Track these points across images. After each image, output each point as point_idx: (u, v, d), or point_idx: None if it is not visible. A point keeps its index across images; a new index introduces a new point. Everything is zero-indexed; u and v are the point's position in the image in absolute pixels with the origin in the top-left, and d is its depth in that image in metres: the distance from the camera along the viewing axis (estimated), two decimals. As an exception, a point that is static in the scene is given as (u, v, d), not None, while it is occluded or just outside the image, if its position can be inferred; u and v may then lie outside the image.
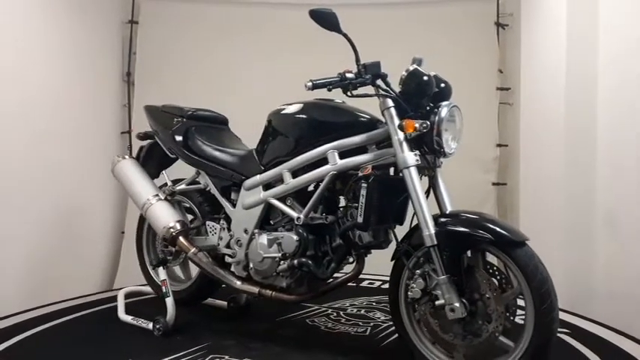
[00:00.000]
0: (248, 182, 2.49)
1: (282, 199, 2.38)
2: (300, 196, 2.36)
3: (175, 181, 2.86)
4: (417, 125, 2.02)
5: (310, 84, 2.09)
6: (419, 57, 2.15)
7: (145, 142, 3.01)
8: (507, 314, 1.93)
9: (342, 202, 2.32)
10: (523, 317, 1.92)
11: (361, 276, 2.34)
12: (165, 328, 2.52)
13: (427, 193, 2.13)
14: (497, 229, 1.92)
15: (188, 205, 2.86)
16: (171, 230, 2.64)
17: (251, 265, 2.43)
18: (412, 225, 2.15)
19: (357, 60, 2.14)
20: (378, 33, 3.73)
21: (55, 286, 3.20)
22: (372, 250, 2.29)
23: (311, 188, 2.36)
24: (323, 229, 2.28)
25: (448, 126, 2.08)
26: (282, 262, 2.30)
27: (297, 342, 2.50)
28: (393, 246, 2.28)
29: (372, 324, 2.77)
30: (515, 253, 1.90)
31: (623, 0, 2.82)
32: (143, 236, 3.10)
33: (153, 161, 2.97)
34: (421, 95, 2.08)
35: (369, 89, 2.15)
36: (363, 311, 3.01)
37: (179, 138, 2.73)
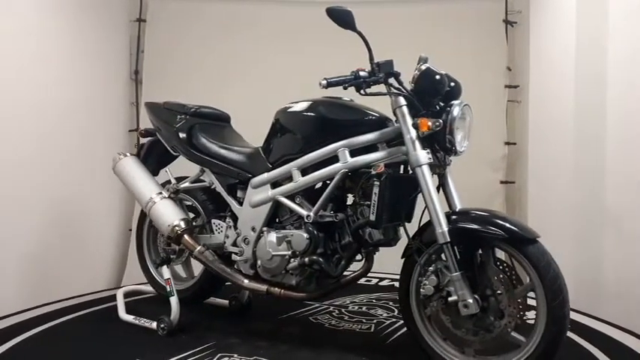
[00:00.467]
0: (255, 180, 2.49)
1: (291, 197, 2.38)
2: (308, 193, 2.36)
3: (179, 179, 2.84)
4: (430, 124, 2.05)
5: (325, 82, 2.12)
6: (425, 56, 2.16)
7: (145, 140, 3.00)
8: (519, 310, 1.96)
9: (349, 200, 2.34)
10: (534, 313, 1.95)
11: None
12: (169, 328, 2.51)
13: (437, 190, 2.14)
14: (510, 226, 1.96)
15: (190, 203, 2.85)
16: (177, 228, 2.63)
17: (259, 263, 2.43)
18: (420, 222, 2.18)
19: (371, 58, 2.15)
20: (386, 30, 3.72)
21: (64, 284, 3.21)
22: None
23: (318, 186, 2.36)
24: (331, 226, 2.29)
25: (460, 124, 2.10)
26: (292, 259, 2.31)
27: (304, 339, 2.50)
28: (396, 244, 2.32)
29: (375, 321, 2.79)
30: (528, 250, 1.93)
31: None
32: (143, 234, 3.08)
33: (153, 159, 2.95)
34: (434, 94, 2.11)
35: (381, 87, 2.17)
36: (364, 308, 3.02)
37: (183, 135, 2.71)
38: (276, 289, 2.39)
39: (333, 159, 2.26)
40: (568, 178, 3.15)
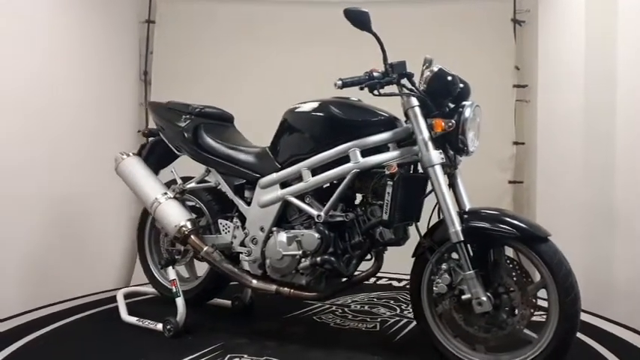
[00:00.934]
0: (264, 180, 2.50)
1: (300, 197, 2.38)
2: (317, 193, 2.37)
3: (184, 179, 2.82)
4: (444, 124, 2.08)
5: (340, 82, 2.15)
6: (430, 57, 2.19)
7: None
8: (531, 307, 1.99)
9: (358, 200, 2.37)
10: (545, 310, 1.99)
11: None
12: (176, 329, 2.49)
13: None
14: (522, 224, 2.00)
15: (192, 204, 2.83)
16: (184, 229, 2.62)
17: (268, 263, 2.43)
18: (429, 222, 2.21)
19: (385, 59, 2.18)
20: (394, 30, 3.68)
21: (74, 284, 3.22)
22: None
23: (326, 186, 2.36)
24: (341, 226, 2.30)
25: (471, 125, 2.13)
26: (303, 259, 2.32)
27: (311, 339, 2.50)
28: (405, 244, 2.33)
29: (379, 319, 2.80)
30: (540, 248, 1.97)
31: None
32: (145, 235, 3.07)
33: (154, 158, 2.94)
34: (446, 95, 2.15)
35: (393, 88, 2.19)
36: (366, 307, 3.04)
37: (189, 135, 2.70)
38: (286, 288, 2.39)
39: (343, 159, 2.27)
40: (577, 177, 3.13)
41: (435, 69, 2.14)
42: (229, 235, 2.61)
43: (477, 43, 3.89)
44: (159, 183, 2.82)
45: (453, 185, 2.19)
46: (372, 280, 3.53)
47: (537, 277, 2.07)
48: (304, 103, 2.44)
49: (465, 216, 2.08)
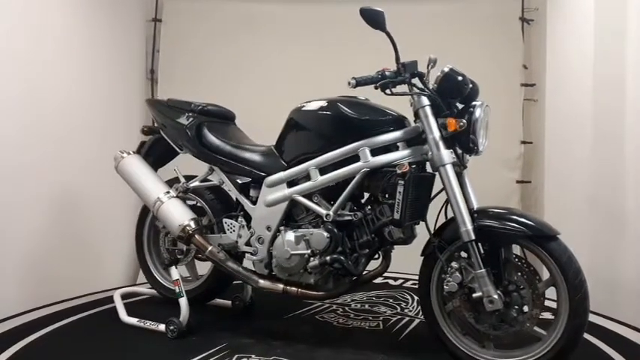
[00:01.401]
0: (270, 179, 2.49)
1: (308, 196, 2.38)
2: (324, 192, 2.37)
3: (187, 178, 2.79)
4: (456, 124, 2.10)
5: (354, 81, 2.17)
6: (434, 57, 2.21)
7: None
8: (541, 304, 2.02)
9: (364, 199, 2.37)
10: (550, 310, 2.04)
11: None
12: (179, 330, 2.46)
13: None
14: (532, 223, 2.03)
15: (193, 203, 2.79)
16: (188, 228, 2.59)
17: (275, 263, 2.43)
18: (437, 221, 2.23)
19: (397, 59, 2.20)
20: (401, 29, 3.69)
21: (78, 282, 3.22)
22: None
23: (332, 184, 2.36)
24: (349, 225, 2.30)
25: (481, 124, 2.15)
26: (312, 258, 2.32)
27: (317, 338, 2.50)
28: (412, 242, 2.34)
29: (381, 318, 2.81)
30: (550, 246, 2.00)
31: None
32: (144, 234, 3.03)
33: (154, 157, 2.91)
34: (457, 95, 2.17)
35: (404, 87, 2.21)
36: (367, 306, 3.04)
37: (193, 133, 2.66)
38: (293, 288, 2.39)
39: (351, 158, 2.28)
40: (585, 177, 3.11)
41: (446, 69, 2.15)
42: (234, 235, 2.59)
43: (485, 42, 3.87)
44: (161, 182, 2.79)
45: (460, 185, 2.18)
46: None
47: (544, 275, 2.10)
48: (311, 101, 2.44)
49: (475, 215, 2.10)
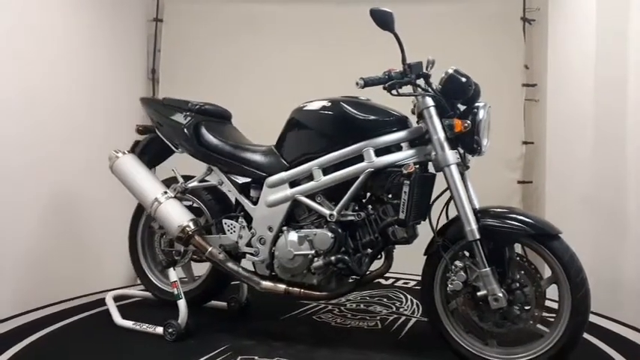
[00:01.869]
0: (271, 179, 2.48)
1: (311, 196, 2.38)
2: (327, 192, 2.37)
3: (185, 178, 2.76)
4: (461, 125, 2.14)
5: (362, 82, 2.18)
6: (432, 58, 2.23)
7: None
8: (543, 302, 2.07)
9: (366, 199, 2.37)
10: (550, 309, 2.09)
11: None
12: (178, 332, 2.42)
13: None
14: (535, 222, 2.07)
15: (189, 203, 2.76)
16: (187, 229, 2.55)
17: (277, 264, 2.42)
18: (438, 221, 2.25)
19: (404, 60, 2.22)
20: (402, 28, 3.71)
21: (78, 282, 3.21)
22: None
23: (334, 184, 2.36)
24: (351, 225, 2.31)
25: (485, 125, 2.18)
26: (316, 259, 2.32)
27: (317, 338, 2.49)
28: (413, 242, 2.34)
29: (378, 318, 2.82)
30: (553, 245, 2.04)
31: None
32: (138, 235, 2.99)
33: (148, 156, 2.87)
34: (460, 96, 2.20)
35: (409, 88, 2.23)
36: (362, 306, 3.05)
37: (191, 133, 2.64)
38: (296, 289, 2.39)
39: (354, 158, 2.29)
40: (586, 177, 3.11)
41: (450, 70, 2.18)
42: (235, 235, 2.57)
43: (486, 42, 3.86)
44: (158, 182, 2.76)
45: None
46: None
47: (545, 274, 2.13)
48: (313, 101, 2.43)
49: (478, 214, 2.12)
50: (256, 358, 2.24)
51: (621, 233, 2.89)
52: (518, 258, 2.12)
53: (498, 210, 2.14)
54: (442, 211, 2.24)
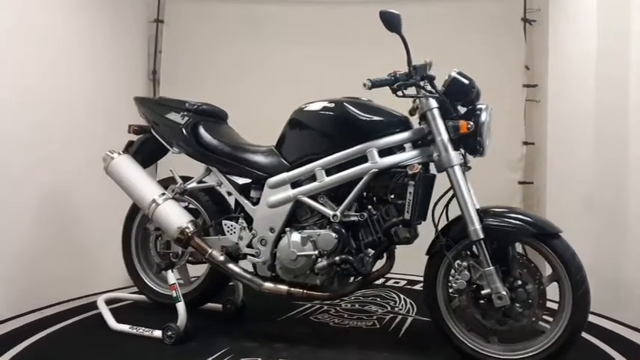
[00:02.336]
0: (273, 180, 2.47)
1: (314, 196, 2.38)
2: (329, 193, 2.37)
3: (183, 179, 2.73)
4: (465, 126, 2.16)
5: (369, 83, 2.19)
6: (430, 60, 2.27)
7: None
8: (545, 299, 2.09)
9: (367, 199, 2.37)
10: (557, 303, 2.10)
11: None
12: (177, 335, 2.39)
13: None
14: (535, 221, 2.11)
15: (185, 204, 2.73)
16: (187, 231, 2.52)
17: (279, 265, 2.41)
18: (439, 221, 2.27)
19: (409, 61, 2.23)
20: (404, 29, 3.72)
21: (76, 284, 3.20)
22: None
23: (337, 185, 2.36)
24: (354, 225, 2.32)
25: (487, 126, 2.20)
26: (319, 259, 2.31)
27: (318, 339, 2.49)
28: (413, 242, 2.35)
29: (375, 317, 2.83)
30: (554, 244, 2.08)
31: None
32: (131, 237, 2.95)
33: (143, 156, 2.83)
34: (463, 98, 2.23)
35: (413, 89, 2.25)
36: (357, 305, 3.05)
37: (189, 133, 2.62)
38: (298, 289, 2.38)
39: (357, 159, 2.30)
40: (588, 178, 3.10)
41: (454, 73, 2.21)
42: (235, 237, 2.55)
43: (487, 42, 3.86)
44: (155, 183, 2.73)
45: None
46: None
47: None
48: (315, 102, 2.43)
49: (480, 214, 2.14)
50: (259, 359, 2.23)
51: (622, 234, 2.88)
52: (518, 257, 2.14)
53: (499, 210, 2.17)
54: (442, 211, 2.26)
